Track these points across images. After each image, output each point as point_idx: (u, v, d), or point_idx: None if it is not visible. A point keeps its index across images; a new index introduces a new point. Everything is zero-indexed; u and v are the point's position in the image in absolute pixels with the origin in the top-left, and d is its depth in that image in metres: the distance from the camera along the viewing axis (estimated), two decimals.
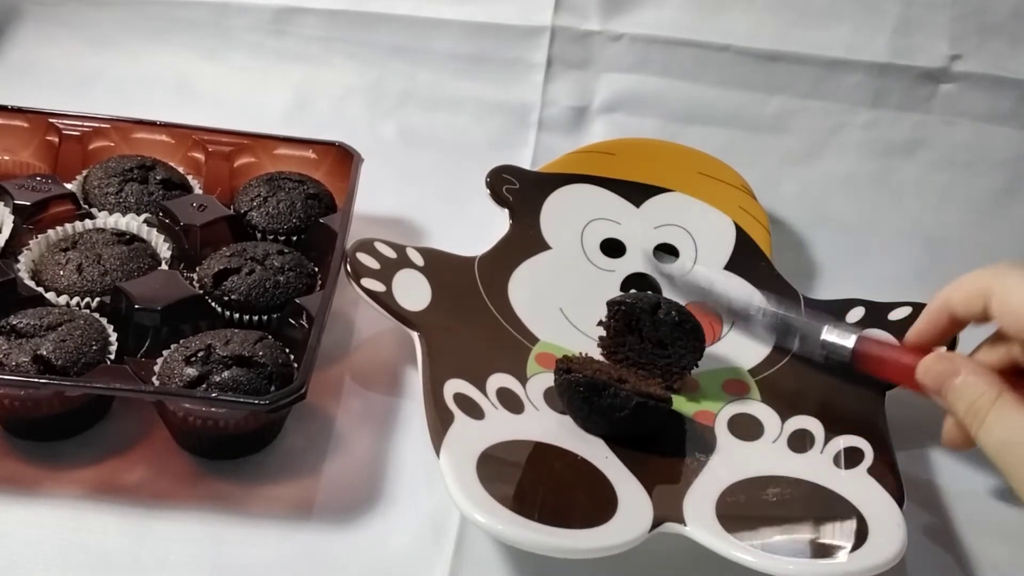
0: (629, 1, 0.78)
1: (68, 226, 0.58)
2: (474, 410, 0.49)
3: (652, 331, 0.54)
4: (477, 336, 0.55)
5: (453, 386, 0.50)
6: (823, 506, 0.46)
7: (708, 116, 0.78)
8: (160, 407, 0.48)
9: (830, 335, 0.52)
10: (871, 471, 0.48)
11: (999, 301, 0.44)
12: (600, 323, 0.56)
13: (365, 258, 0.56)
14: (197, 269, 0.57)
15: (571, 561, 0.46)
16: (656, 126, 0.78)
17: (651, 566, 0.47)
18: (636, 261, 0.62)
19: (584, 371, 0.49)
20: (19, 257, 0.55)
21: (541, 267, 0.61)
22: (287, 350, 0.51)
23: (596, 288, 0.60)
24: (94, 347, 0.50)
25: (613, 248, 0.63)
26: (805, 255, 0.70)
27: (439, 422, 0.47)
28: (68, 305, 0.53)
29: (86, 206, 0.61)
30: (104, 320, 0.52)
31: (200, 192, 0.63)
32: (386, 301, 0.54)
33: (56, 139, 0.64)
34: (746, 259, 0.63)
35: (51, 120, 0.64)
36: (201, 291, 0.54)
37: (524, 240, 0.62)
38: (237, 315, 0.54)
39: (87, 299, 0.53)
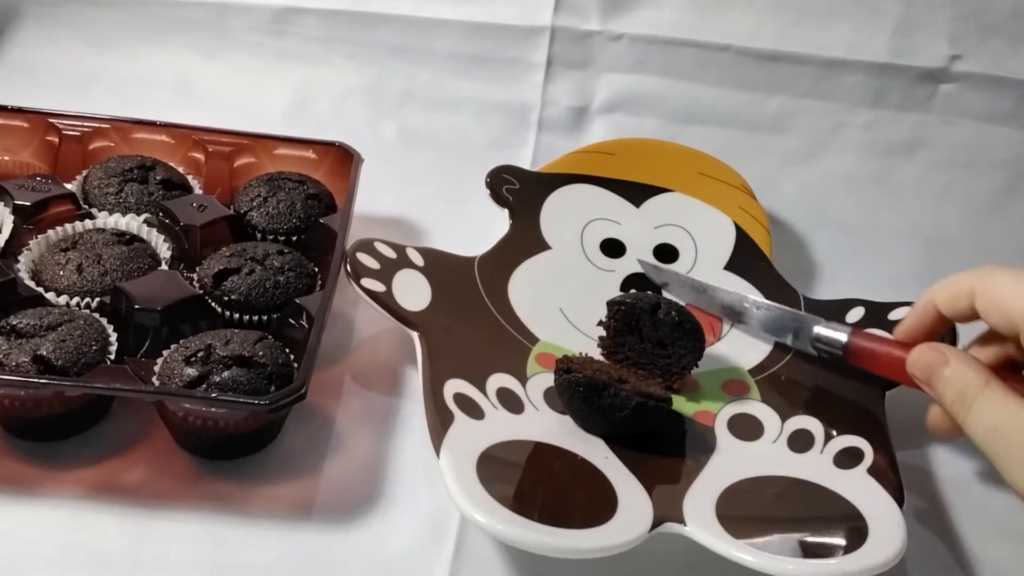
0: (629, 1, 0.78)
1: (68, 226, 0.58)
2: (474, 410, 0.49)
3: (652, 331, 0.54)
4: (477, 336, 0.55)
5: (453, 386, 0.50)
6: (823, 506, 0.46)
7: (708, 116, 0.78)
8: (160, 407, 0.48)
9: (823, 329, 0.54)
10: (871, 471, 0.48)
11: (984, 299, 0.45)
12: (600, 323, 0.56)
13: (365, 258, 0.56)
14: (197, 269, 0.57)
15: (571, 561, 0.46)
16: (656, 126, 0.78)
17: (651, 566, 0.47)
18: (636, 261, 0.62)
19: (584, 371, 0.49)
20: (19, 257, 0.55)
21: (541, 267, 0.61)
22: (287, 350, 0.51)
23: (596, 288, 0.60)
24: (94, 347, 0.50)
25: (613, 248, 0.63)
26: (805, 255, 0.70)
27: (439, 422, 0.47)
28: (68, 305, 0.53)
29: (86, 206, 0.61)
30: (104, 320, 0.52)
31: (200, 192, 0.63)
32: (386, 301, 0.54)
33: (56, 139, 0.64)
34: (746, 259, 0.63)
35: (51, 120, 0.64)
36: (201, 291, 0.54)
37: (524, 240, 0.62)
38: (237, 315, 0.54)
39: (87, 299, 0.53)
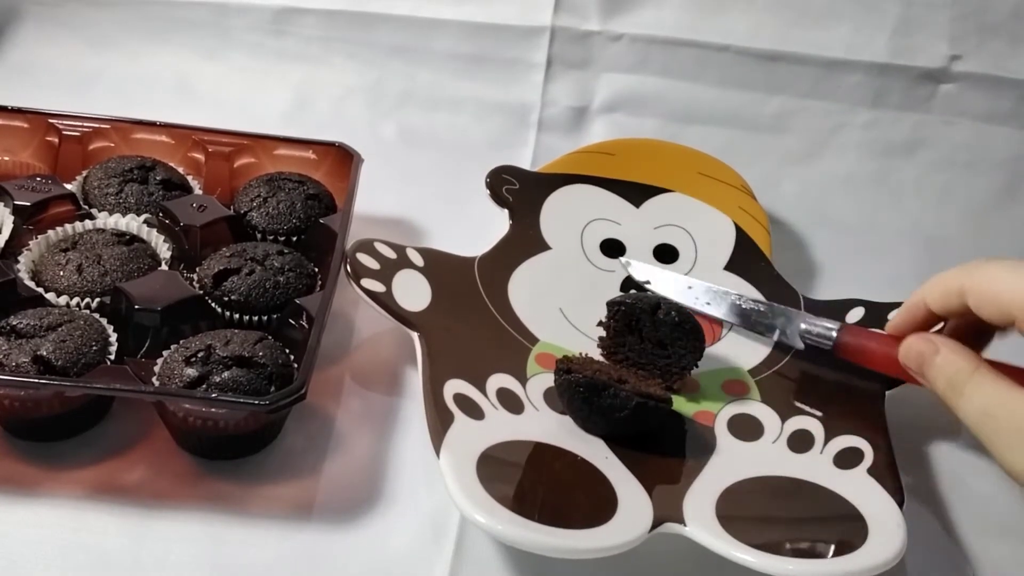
0: (629, 1, 0.78)
1: (68, 227, 0.58)
2: (474, 410, 0.49)
3: (652, 331, 0.54)
4: (477, 336, 0.55)
5: (453, 386, 0.50)
6: (823, 506, 0.46)
7: (708, 116, 0.78)
8: (160, 407, 0.48)
9: (812, 323, 0.55)
10: (871, 471, 0.48)
11: (975, 295, 0.46)
12: (600, 323, 0.56)
13: (365, 258, 0.56)
14: (197, 269, 0.57)
15: (571, 561, 0.46)
16: (656, 126, 0.78)
17: (651, 566, 0.47)
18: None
19: (584, 371, 0.49)
20: (19, 258, 0.55)
21: (541, 267, 0.61)
22: (287, 350, 0.51)
23: (596, 288, 0.60)
24: (94, 347, 0.50)
25: (613, 248, 0.63)
26: (805, 255, 0.70)
27: (439, 422, 0.47)
28: (68, 305, 0.53)
29: (86, 207, 0.61)
30: (104, 320, 0.52)
31: (200, 192, 0.63)
32: (386, 301, 0.54)
33: (56, 139, 0.64)
34: (746, 259, 0.63)
35: (51, 120, 0.64)
36: (201, 291, 0.54)
37: (524, 240, 0.62)
38: (237, 315, 0.54)
39: (87, 299, 0.53)
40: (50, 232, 0.57)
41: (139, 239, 0.58)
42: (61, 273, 0.54)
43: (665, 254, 0.63)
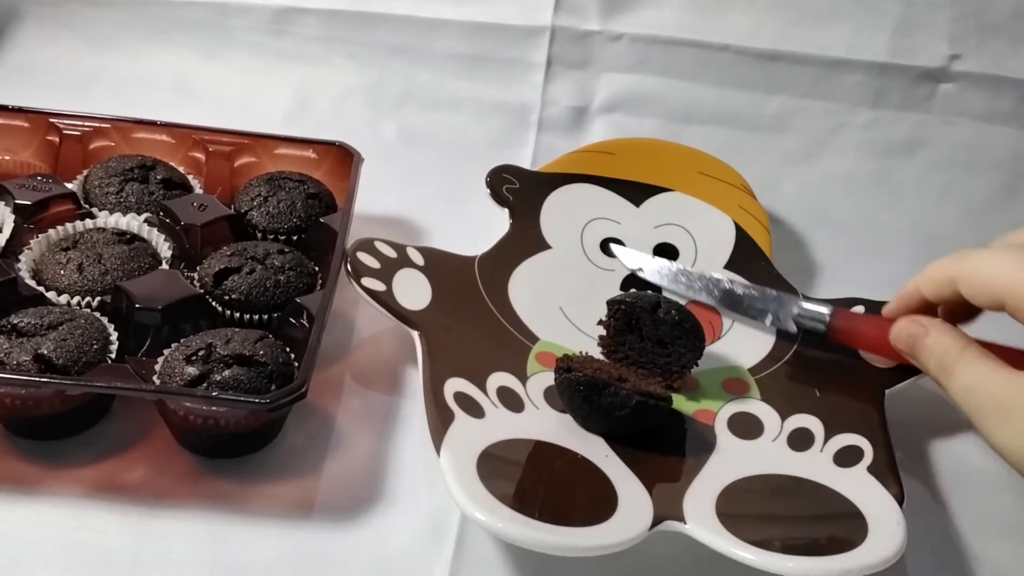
0: (629, 1, 0.78)
1: (69, 226, 0.58)
2: (474, 409, 0.49)
3: (652, 330, 0.54)
4: (477, 335, 0.55)
5: (453, 385, 0.50)
6: (823, 504, 0.46)
7: (708, 116, 0.78)
8: (161, 406, 0.48)
9: (806, 306, 0.56)
10: (871, 469, 0.48)
11: (966, 283, 0.47)
12: (600, 322, 0.56)
13: (365, 257, 0.56)
14: (198, 268, 0.57)
15: (571, 559, 0.46)
16: (656, 126, 0.78)
17: (651, 564, 0.47)
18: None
19: (584, 370, 0.49)
20: (20, 256, 0.55)
21: (541, 266, 0.61)
22: (287, 349, 0.52)
23: (596, 287, 0.60)
24: (95, 346, 0.50)
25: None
26: (805, 255, 0.71)
27: (439, 421, 0.47)
28: (69, 304, 0.53)
29: (87, 206, 0.61)
30: (105, 319, 0.52)
31: (200, 192, 0.63)
32: (386, 300, 0.54)
33: (57, 139, 0.64)
34: (746, 259, 0.63)
35: (52, 120, 0.64)
36: (202, 290, 0.55)
37: (524, 239, 0.62)
38: (238, 314, 0.55)
39: (88, 298, 0.53)
40: (51, 231, 0.57)
41: (140, 238, 0.58)
42: (62, 272, 0.54)
43: (665, 253, 0.63)
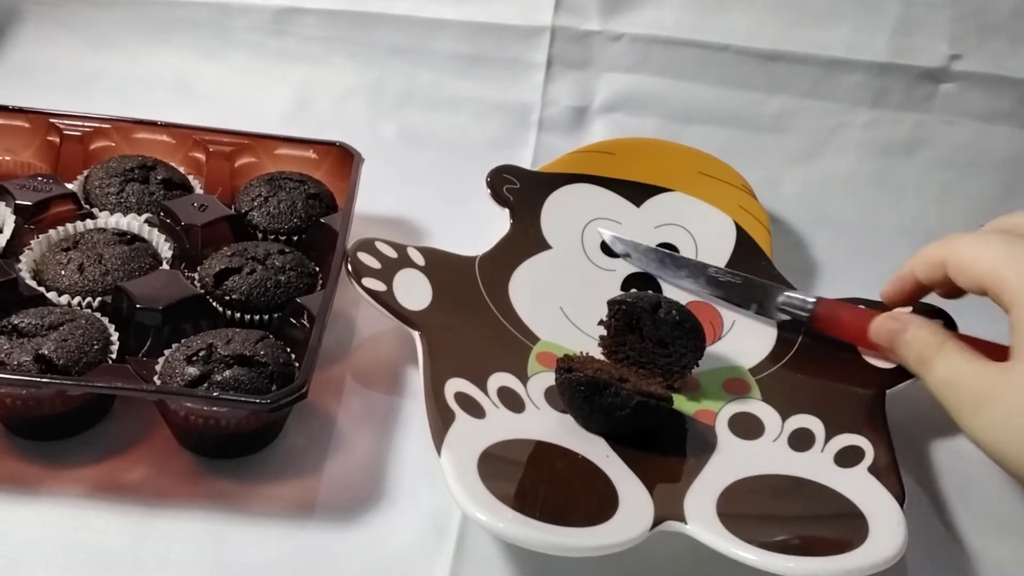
0: (629, 1, 0.78)
1: (69, 226, 0.58)
2: (475, 409, 0.49)
3: (653, 330, 0.54)
4: (478, 335, 0.55)
5: (454, 385, 0.50)
6: (824, 504, 0.46)
7: (708, 116, 0.78)
8: (161, 406, 0.48)
9: (790, 295, 0.58)
10: (871, 470, 0.48)
11: (952, 267, 0.49)
12: (601, 322, 0.56)
13: (366, 257, 0.56)
14: (198, 269, 0.57)
15: (572, 560, 0.46)
16: (656, 126, 0.78)
17: (652, 565, 0.47)
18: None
19: (585, 370, 0.49)
20: (20, 257, 0.55)
21: (542, 266, 0.61)
22: (288, 349, 0.52)
23: (597, 287, 0.60)
24: (95, 346, 0.50)
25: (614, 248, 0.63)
26: (805, 254, 0.71)
27: (440, 421, 0.47)
28: (70, 305, 0.53)
29: (87, 206, 0.61)
30: (105, 320, 0.52)
31: (201, 192, 0.63)
32: (387, 300, 0.54)
33: (57, 139, 0.64)
34: (746, 258, 0.63)
35: (52, 120, 0.64)
36: (202, 291, 0.55)
37: (525, 240, 0.62)
38: (238, 314, 0.55)
39: (88, 299, 0.53)
40: (51, 231, 0.57)
41: (140, 238, 0.58)
42: (62, 272, 0.54)
43: None
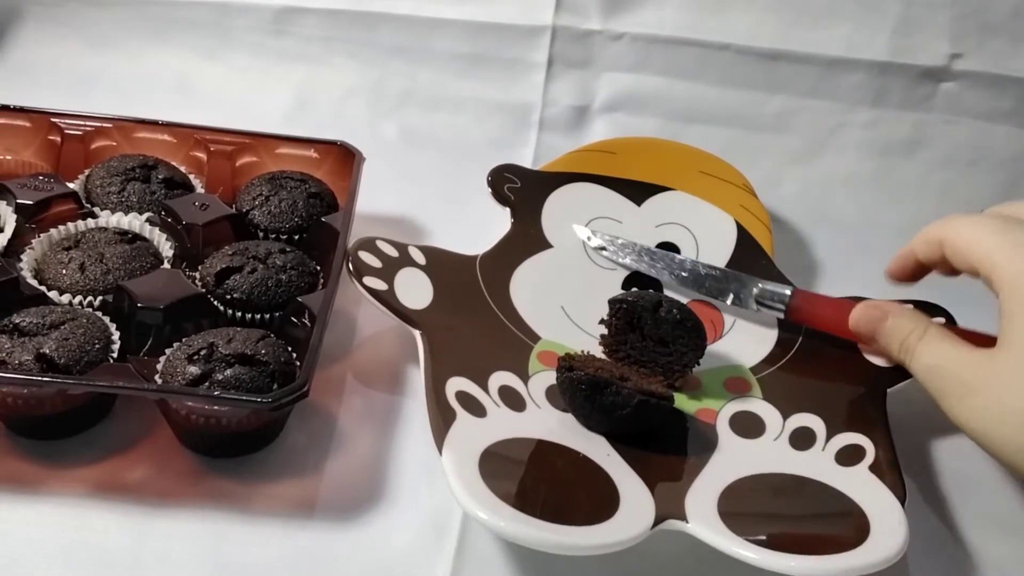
0: (630, 1, 0.78)
1: (70, 225, 0.58)
2: (476, 408, 0.49)
3: (654, 329, 0.54)
4: (479, 334, 0.55)
5: (455, 384, 0.50)
6: (825, 503, 0.46)
7: (709, 115, 0.78)
8: (163, 405, 0.48)
9: (766, 287, 0.58)
10: (873, 468, 0.48)
11: (949, 248, 0.49)
12: (602, 321, 0.56)
13: (367, 256, 0.56)
14: (199, 268, 0.57)
15: (573, 558, 0.46)
16: (657, 125, 0.78)
17: (653, 563, 0.47)
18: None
19: (586, 369, 0.49)
20: (22, 256, 0.55)
21: (543, 265, 0.61)
22: (289, 348, 0.52)
23: (598, 286, 0.60)
24: (97, 346, 0.50)
25: None
26: (806, 254, 0.71)
27: (441, 420, 0.47)
28: (71, 304, 0.53)
29: (88, 205, 0.61)
30: (107, 319, 0.52)
31: (202, 191, 0.63)
32: (388, 299, 0.54)
33: (58, 139, 0.64)
34: (747, 257, 0.63)
35: (53, 120, 0.64)
36: (203, 290, 0.55)
37: (526, 239, 0.62)
38: (239, 313, 0.55)
39: (90, 298, 0.53)
40: (52, 231, 0.57)
41: (141, 238, 0.58)
42: (64, 271, 0.54)
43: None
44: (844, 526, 0.45)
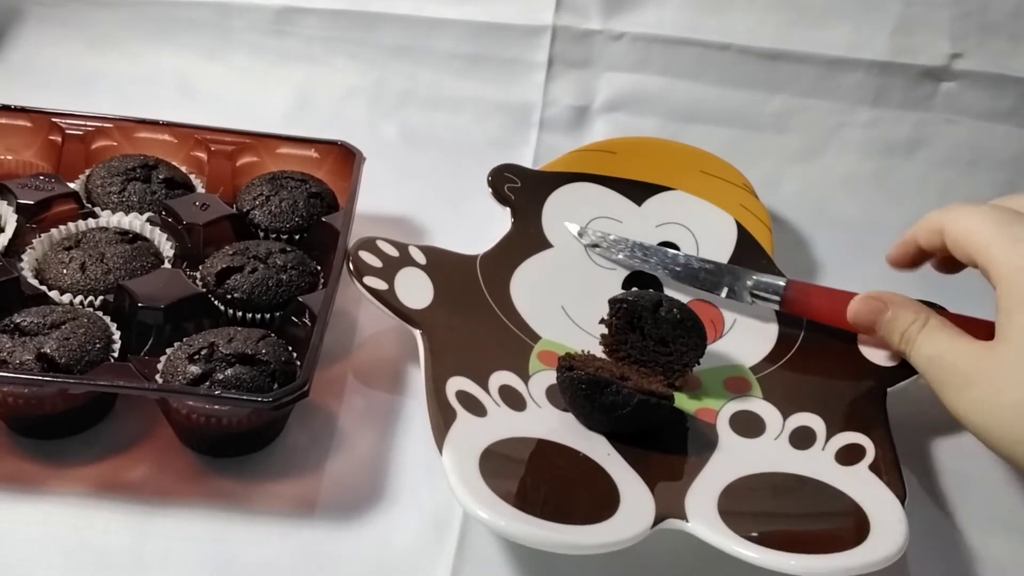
0: (630, 1, 0.78)
1: (71, 225, 0.58)
2: (476, 407, 0.49)
3: (654, 329, 0.54)
4: (479, 334, 0.55)
5: (455, 384, 0.50)
6: (825, 502, 0.46)
7: (709, 115, 0.78)
8: (163, 405, 0.49)
9: (761, 278, 0.58)
10: (873, 468, 0.48)
11: (949, 237, 0.50)
12: (602, 321, 0.56)
13: (367, 256, 0.56)
14: (200, 268, 0.57)
15: (573, 558, 0.46)
16: (657, 125, 0.78)
17: (653, 563, 0.47)
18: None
19: (586, 368, 0.49)
20: (23, 256, 0.56)
21: (543, 265, 0.61)
22: (290, 348, 0.52)
23: (598, 286, 0.60)
24: (97, 345, 0.50)
25: None
26: (806, 253, 0.71)
27: (441, 419, 0.47)
28: (72, 303, 0.53)
29: (89, 205, 0.61)
30: (107, 318, 0.52)
31: (203, 191, 0.63)
32: (388, 299, 0.54)
33: (59, 139, 0.64)
34: (748, 257, 0.63)
35: (54, 120, 0.64)
36: (204, 289, 0.55)
37: (526, 238, 0.62)
38: (240, 313, 0.55)
39: (90, 297, 0.54)
40: (53, 231, 0.57)
41: (142, 237, 0.58)
42: (64, 271, 0.54)
43: None
44: (844, 525, 0.45)
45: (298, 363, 0.51)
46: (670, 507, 0.45)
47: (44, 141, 0.64)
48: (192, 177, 0.64)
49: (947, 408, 0.47)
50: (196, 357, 0.49)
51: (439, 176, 0.73)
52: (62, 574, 0.44)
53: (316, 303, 0.52)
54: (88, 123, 0.65)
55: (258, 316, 0.55)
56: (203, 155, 0.65)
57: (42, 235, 0.57)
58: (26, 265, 0.55)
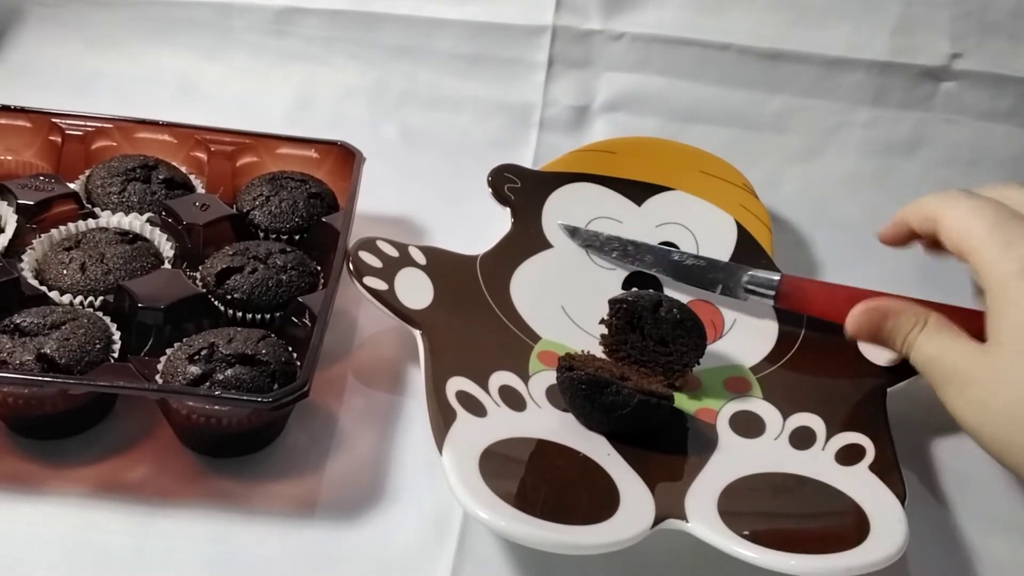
0: (630, 1, 0.78)
1: (71, 225, 0.58)
2: (476, 408, 0.49)
3: (654, 329, 0.54)
4: (479, 334, 0.55)
5: (455, 384, 0.50)
6: (825, 502, 0.46)
7: (709, 115, 0.78)
8: (163, 405, 0.49)
9: (755, 273, 0.58)
10: (873, 468, 0.48)
11: (942, 228, 0.49)
12: (602, 321, 0.56)
13: (367, 256, 0.56)
14: (200, 268, 0.57)
15: (573, 558, 0.46)
16: (657, 125, 0.78)
17: (653, 563, 0.47)
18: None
19: (586, 369, 0.49)
20: (23, 256, 0.55)
21: (543, 265, 0.61)
22: (290, 348, 0.52)
23: (598, 286, 0.60)
24: (97, 345, 0.50)
25: None
26: (806, 254, 0.71)
27: (441, 419, 0.47)
28: (72, 304, 0.53)
29: (89, 205, 0.61)
30: (107, 319, 0.52)
31: (203, 191, 0.63)
32: (388, 299, 0.54)
33: (59, 139, 0.64)
34: (748, 257, 0.63)
35: (54, 120, 0.64)
36: (204, 290, 0.55)
37: (526, 238, 0.62)
38: (240, 314, 0.55)
39: (90, 298, 0.54)
40: (53, 231, 0.57)
41: (142, 238, 0.58)
42: (64, 272, 0.54)
43: None
44: (844, 525, 0.45)
45: (298, 363, 0.51)
46: (670, 507, 0.45)
47: (44, 141, 0.64)
48: (192, 177, 0.64)
49: (945, 407, 0.47)
50: (196, 357, 0.49)
51: (439, 176, 0.73)
52: (62, 574, 0.44)
53: (316, 303, 0.52)
54: (88, 123, 0.65)
55: (258, 316, 0.55)
56: (203, 155, 0.65)
57: (42, 235, 0.57)
58: (26, 265, 0.55)
